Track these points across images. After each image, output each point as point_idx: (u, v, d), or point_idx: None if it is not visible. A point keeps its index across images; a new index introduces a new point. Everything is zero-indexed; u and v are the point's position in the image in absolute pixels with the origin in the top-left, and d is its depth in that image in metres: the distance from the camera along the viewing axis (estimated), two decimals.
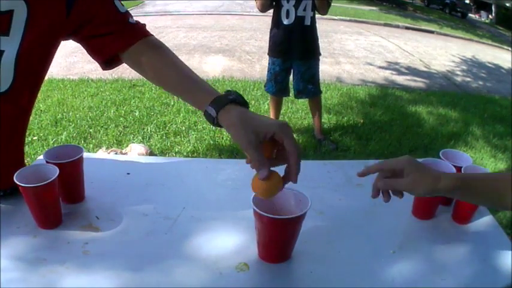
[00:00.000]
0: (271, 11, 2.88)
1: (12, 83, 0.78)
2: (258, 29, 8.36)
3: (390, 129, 3.60)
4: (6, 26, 0.74)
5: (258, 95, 4.23)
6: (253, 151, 0.65)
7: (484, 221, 0.94)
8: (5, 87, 0.78)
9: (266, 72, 3.11)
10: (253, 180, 0.68)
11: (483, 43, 10.91)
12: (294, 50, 2.86)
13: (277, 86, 3.05)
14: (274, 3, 2.79)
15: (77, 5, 0.80)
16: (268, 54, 3.03)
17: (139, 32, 0.86)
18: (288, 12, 2.76)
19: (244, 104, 0.72)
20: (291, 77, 3.07)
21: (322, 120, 3.67)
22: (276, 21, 2.85)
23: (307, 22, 2.79)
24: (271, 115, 3.27)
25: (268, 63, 3.04)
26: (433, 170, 0.73)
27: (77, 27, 0.83)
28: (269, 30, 2.97)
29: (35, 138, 3.07)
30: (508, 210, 0.72)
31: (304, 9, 2.74)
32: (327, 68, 5.84)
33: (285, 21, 2.79)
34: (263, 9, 2.79)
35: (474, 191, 0.72)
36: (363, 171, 0.76)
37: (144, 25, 0.89)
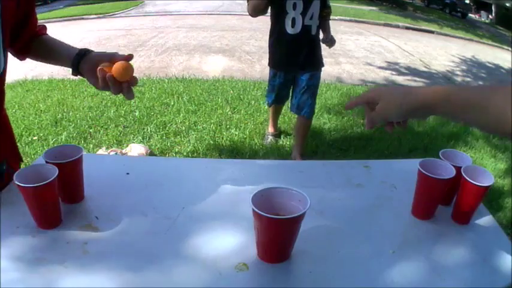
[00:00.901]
0: (269, 15, 2.60)
1: None
2: (258, 29, 8.36)
3: None
4: None
5: (258, 95, 4.23)
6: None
7: (484, 221, 0.94)
8: None
9: (267, 77, 2.85)
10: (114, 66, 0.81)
11: (483, 43, 10.92)
12: (299, 62, 2.59)
13: (277, 98, 2.85)
14: (274, 9, 2.53)
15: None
16: (269, 65, 2.77)
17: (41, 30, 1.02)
18: (294, 20, 2.45)
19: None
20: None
21: (323, 120, 3.67)
22: (279, 30, 2.53)
23: (314, 32, 2.53)
24: (270, 121, 3.21)
25: (269, 75, 2.79)
26: (404, 88, 0.69)
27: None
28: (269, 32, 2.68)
29: (35, 138, 3.07)
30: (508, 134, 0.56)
31: (311, 18, 2.47)
32: (327, 68, 5.72)
33: (290, 31, 2.49)
34: (255, 13, 2.46)
35: (461, 104, 0.61)
36: (348, 105, 0.79)
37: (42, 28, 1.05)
